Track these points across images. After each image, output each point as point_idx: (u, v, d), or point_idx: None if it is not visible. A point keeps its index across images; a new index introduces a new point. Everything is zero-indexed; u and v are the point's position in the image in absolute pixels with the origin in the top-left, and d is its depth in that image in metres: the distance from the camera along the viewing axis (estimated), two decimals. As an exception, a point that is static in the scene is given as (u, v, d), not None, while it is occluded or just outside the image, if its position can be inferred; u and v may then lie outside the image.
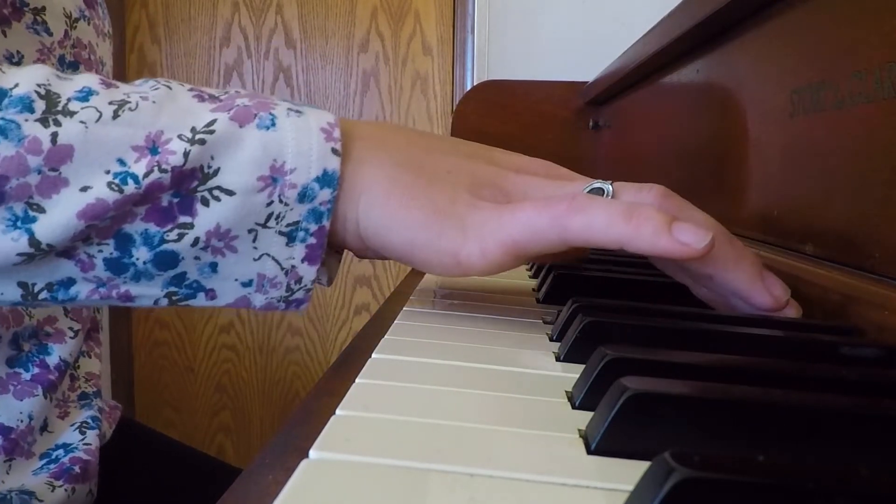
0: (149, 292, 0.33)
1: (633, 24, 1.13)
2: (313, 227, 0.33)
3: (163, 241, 0.32)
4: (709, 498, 0.15)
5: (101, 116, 0.31)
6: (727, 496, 0.15)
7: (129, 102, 0.31)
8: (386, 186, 0.34)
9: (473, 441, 0.22)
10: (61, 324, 0.52)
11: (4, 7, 0.44)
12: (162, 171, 0.31)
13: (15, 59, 0.45)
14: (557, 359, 0.32)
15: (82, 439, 0.52)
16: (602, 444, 0.21)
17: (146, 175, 0.30)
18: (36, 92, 0.31)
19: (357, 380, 0.27)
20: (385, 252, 0.36)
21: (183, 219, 0.32)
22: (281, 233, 0.33)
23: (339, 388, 0.26)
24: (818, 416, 0.21)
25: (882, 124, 0.35)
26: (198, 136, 0.31)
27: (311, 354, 1.87)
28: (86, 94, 0.31)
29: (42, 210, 0.30)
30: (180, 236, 0.32)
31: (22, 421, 0.48)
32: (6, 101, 0.30)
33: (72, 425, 0.52)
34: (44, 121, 0.30)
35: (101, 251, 0.32)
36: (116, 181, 0.30)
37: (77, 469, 0.50)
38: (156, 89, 0.33)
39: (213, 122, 0.32)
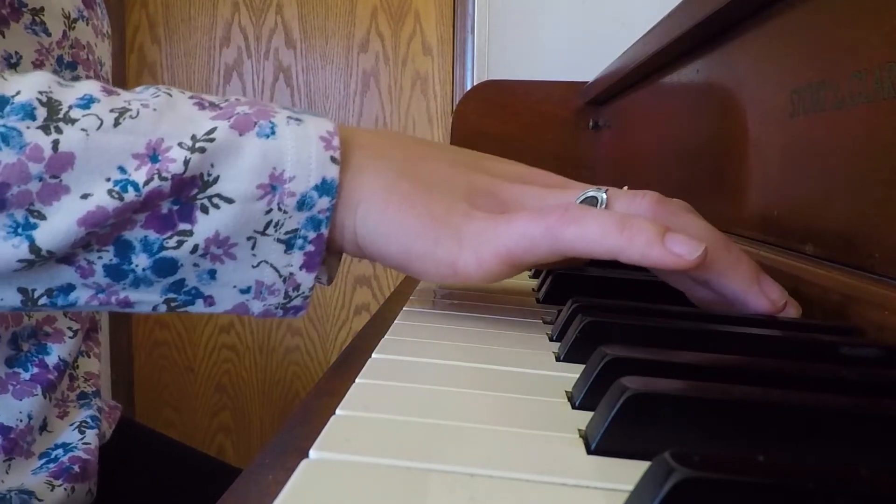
0: (148, 298, 0.33)
1: (633, 24, 1.13)
2: (312, 235, 0.33)
3: (162, 248, 0.32)
4: (709, 498, 0.15)
5: (102, 124, 0.31)
6: (727, 496, 0.15)
7: (130, 110, 0.32)
8: (384, 195, 0.34)
9: (473, 441, 0.22)
10: (60, 324, 0.52)
11: (3, 7, 0.44)
12: (162, 178, 0.31)
13: (13, 60, 0.45)
14: (557, 359, 0.32)
15: (81, 439, 0.52)
16: (602, 444, 0.21)
17: (146, 183, 0.31)
18: (38, 99, 0.31)
19: (357, 380, 0.27)
20: (382, 260, 0.36)
21: (182, 226, 0.32)
22: (279, 240, 0.33)
23: (339, 388, 0.26)
24: (818, 416, 0.21)
25: (882, 124, 0.35)
26: (198, 144, 0.31)
27: (311, 354, 1.87)
28: (87, 102, 0.31)
29: (43, 217, 0.30)
30: (179, 243, 0.32)
31: (21, 420, 0.48)
32: (8, 108, 0.30)
33: (71, 425, 0.52)
34: (45, 128, 0.30)
35: (100, 258, 0.32)
36: (117, 189, 0.30)
37: (76, 468, 0.50)
38: (156, 97, 0.33)
39: (213, 131, 0.32)
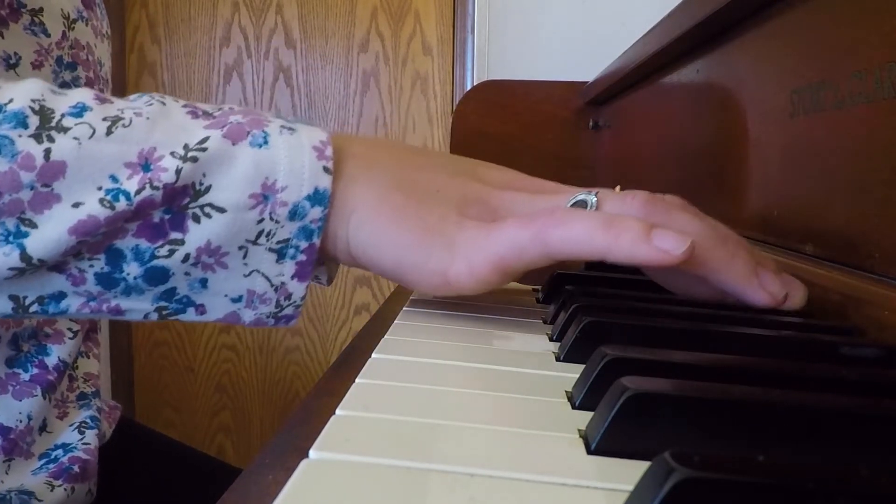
0: (139, 306, 0.34)
1: (633, 24, 1.13)
2: (303, 245, 0.33)
3: (153, 256, 0.32)
4: (709, 498, 0.15)
5: (94, 133, 0.31)
6: (727, 496, 0.15)
7: (123, 119, 0.32)
8: (376, 206, 0.34)
9: (473, 441, 0.22)
10: (60, 324, 0.52)
11: (2, 8, 0.44)
12: (154, 188, 0.31)
13: (12, 61, 0.45)
14: (557, 359, 0.32)
15: (81, 439, 0.52)
16: (602, 444, 0.21)
17: (138, 192, 0.31)
18: (30, 107, 0.31)
19: (357, 380, 0.27)
20: (375, 270, 0.36)
21: (174, 235, 0.32)
22: (271, 250, 0.33)
23: (339, 388, 0.26)
24: (818, 416, 0.21)
25: (882, 124, 0.35)
26: (190, 154, 0.31)
27: (311, 354, 1.87)
28: (80, 110, 0.31)
29: (34, 225, 0.30)
30: (171, 252, 0.32)
31: (21, 421, 0.48)
32: (0, 116, 0.30)
33: (71, 425, 0.52)
34: (37, 137, 0.30)
35: (92, 266, 0.32)
36: (108, 198, 0.31)
37: (76, 468, 0.50)
38: (150, 105, 0.33)
39: (205, 140, 0.32)
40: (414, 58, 1.78)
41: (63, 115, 0.31)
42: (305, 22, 1.80)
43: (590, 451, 0.21)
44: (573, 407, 0.26)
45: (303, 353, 1.87)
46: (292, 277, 0.34)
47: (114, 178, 0.31)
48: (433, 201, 0.35)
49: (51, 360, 0.50)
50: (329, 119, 1.79)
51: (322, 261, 0.37)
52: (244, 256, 0.33)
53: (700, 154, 0.66)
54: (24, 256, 0.30)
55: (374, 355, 0.31)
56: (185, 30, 1.82)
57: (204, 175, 0.31)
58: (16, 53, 0.45)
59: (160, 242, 0.32)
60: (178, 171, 0.31)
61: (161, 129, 0.32)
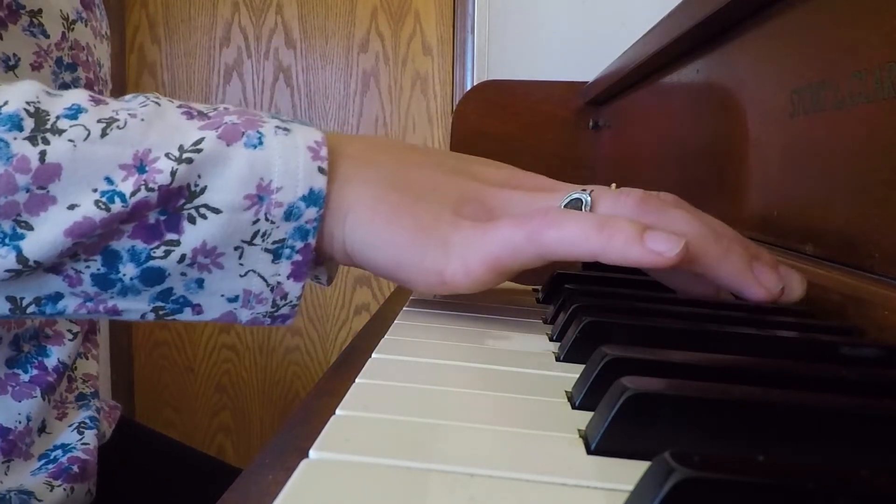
0: (136, 307, 0.34)
1: (633, 24, 1.13)
2: (299, 245, 0.33)
3: (149, 257, 0.32)
4: (709, 498, 0.15)
5: (89, 134, 0.31)
6: (727, 496, 0.15)
7: (118, 120, 0.32)
8: (372, 205, 0.35)
9: (473, 441, 0.22)
10: (60, 326, 0.52)
11: (0, 9, 0.44)
12: (149, 189, 0.31)
13: (12, 62, 0.45)
14: (557, 359, 0.32)
15: (80, 439, 0.52)
16: (602, 444, 0.21)
17: (133, 194, 0.31)
18: (25, 110, 0.31)
19: (357, 380, 0.27)
20: (371, 269, 0.36)
21: (169, 236, 0.32)
22: (267, 250, 0.33)
23: (339, 388, 0.26)
24: (818, 416, 0.21)
25: (882, 124, 0.35)
26: (185, 155, 0.31)
27: (311, 354, 1.87)
28: (75, 112, 0.31)
29: (30, 227, 0.30)
30: (167, 253, 0.32)
31: (20, 422, 0.48)
32: None
33: (70, 426, 0.52)
34: (32, 139, 0.30)
35: (88, 267, 0.32)
36: (104, 199, 0.31)
37: (76, 468, 0.50)
38: (145, 106, 0.33)
39: (200, 141, 0.32)
40: (414, 58, 1.78)
41: (58, 117, 0.31)
42: (305, 22, 1.80)
43: (590, 451, 0.21)
44: (573, 407, 0.26)
45: (303, 353, 1.87)
46: (288, 277, 0.34)
47: (109, 180, 0.31)
48: (429, 200, 0.35)
49: (50, 362, 0.50)
50: (329, 119, 1.79)
51: (321, 261, 0.37)
52: (240, 257, 0.33)
53: (700, 154, 0.66)
54: (21, 258, 0.31)
55: (374, 355, 0.31)
56: (185, 30, 1.82)
57: (199, 176, 0.32)
58: (15, 55, 0.45)
59: (156, 243, 0.32)
60: (173, 173, 0.31)
61: (156, 130, 0.32)
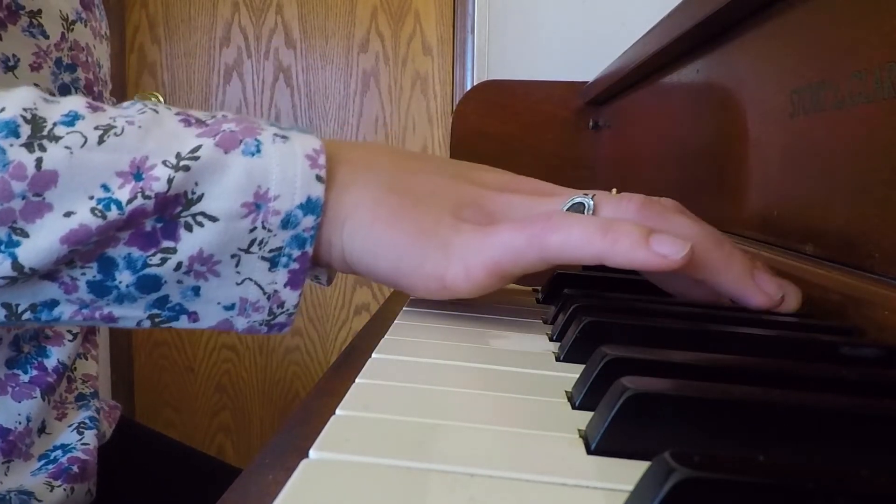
0: (132, 314, 0.34)
1: (633, 24, 1.13)
2: (296, 253, 0.33)
3: (146, 265, 0.32)
4: (709, 498, 0.15)
5: (86, 142, 0.31)
6: (727, 496, 0.15)
7: (115, 127, 0.31)
8: (370, 212, 0.34)
9: (473, 441, 0.22)
10: (60, 326, 0.52)
11: (0, 10, 0.44)
12: (146, 197, 0.31)
13: (11, 63, 0.45)
14: (557, 359, 0.32)
15: (80, 439, 0.52)
16: (602, 444, 0.21)
17: (130, 201, 0.31)
18: (22, 116, 0.31)
19: (357, 380, 0.27)
20: (370, 276, 0.36)
21: (166, 244, 0.32)
22: (264, 258, 0.33)
23: (339, 388, 0.26)
24: (818, 416, 0.21)
25: (882, 124, 0.35)
26: (182, 163, 0.31)
27: (311, 354, 1.87)
28: (72, 119, 0.31)
29: (26, 235, 0.30)
30: (163, 261, 0.32)
31: (20, 423, 0.48)
32: None
33: (69, 426, 0.52)
34: (29, 146, 0.30)
35: (84, 274, 0.32)
36: (100, 207, 0.30)
37: (75, 469, 0.50)
38: (142, 113, 0.33)
39: (198, 148, 0.32)
40: (414, 58, 1.79)
41: (55, 124, 0.31)
42: (305, 22, 1.80)
43: (590, 451, 0.21)
44: (573, 407, 0.26)
45: (303, 353, 1.87)
46: (285, 286, 0.34)
47: (105, 188, 0.31)
48: (428, 205, 0.35)
49: (50, 362, 0.50)
50: (329, 119, 1.79)
51: (319, 264, 0.37)
52: (237, 265, 0.33)
53: (700, 154, 0.66)
54: (16, 265, 0.30)
55: (374, 355, 0.31)
56: (185, 30, 1.82)
57: (196, 184, 0.31)
58: (14, 55, 0.45)
59: (152, 251, 0.32)
60: (170, 180, 0.31)
61: (153, 137, 0.32)
